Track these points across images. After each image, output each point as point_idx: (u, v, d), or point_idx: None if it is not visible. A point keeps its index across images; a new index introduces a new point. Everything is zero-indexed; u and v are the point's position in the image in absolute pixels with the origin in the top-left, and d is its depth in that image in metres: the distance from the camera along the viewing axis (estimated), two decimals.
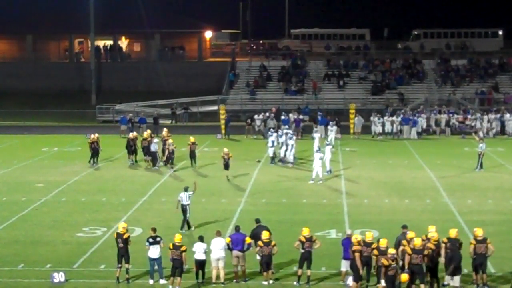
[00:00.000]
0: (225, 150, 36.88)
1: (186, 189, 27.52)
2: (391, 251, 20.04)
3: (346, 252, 21.47)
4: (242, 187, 34.92)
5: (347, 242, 21.61)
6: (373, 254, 20.63)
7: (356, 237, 21.06)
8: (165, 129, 42.15)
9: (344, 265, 21.59)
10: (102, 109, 63.17)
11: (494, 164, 40.67)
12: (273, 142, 40.73)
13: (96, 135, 41.11)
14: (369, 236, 21.26)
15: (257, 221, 23.27)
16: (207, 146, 48.09)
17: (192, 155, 40.03)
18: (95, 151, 40.61)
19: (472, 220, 27.64)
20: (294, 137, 41.72)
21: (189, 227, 27.33)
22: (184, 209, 27.24)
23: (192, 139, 40.08)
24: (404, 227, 22.16)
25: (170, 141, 39.61)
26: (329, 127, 47.87)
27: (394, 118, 51.59)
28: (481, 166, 38.60)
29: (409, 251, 20.42)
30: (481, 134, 51.04)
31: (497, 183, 35.76)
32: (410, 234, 21.16)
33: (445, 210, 30.38)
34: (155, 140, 39.78)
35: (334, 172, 37.86)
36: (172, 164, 38.96)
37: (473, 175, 37.62)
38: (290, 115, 52.91)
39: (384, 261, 19.79)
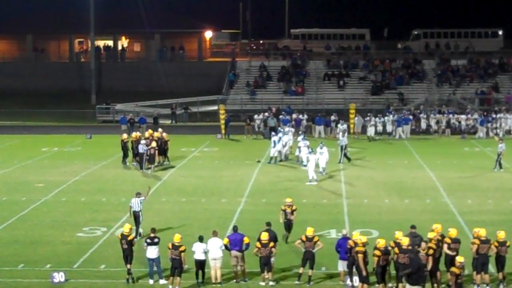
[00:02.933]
0: (288, 201, 26.26)
1: (137, 195, 26.42)
2: (460, 259, 19.72)
3: (343, 252, 21.46)
4: (242, 187, 34.92)
5: (343, 242, 21.60)
6: (375, 255, 20.60)
7: (361, 238, 20.95)
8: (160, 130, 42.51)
9: (341, 265, 21.57)
10: (102, 109, 63.27)
11: (494, 164, 40.61)
12: (275, 142, 40.73)
13: (125, 135, 41.13)
14: (364, 238, 21.21)
15: (268, 224, 22.87)
16: (207, 146, 48.09)
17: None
18: (126, 151, 40.45)
19: (472, 220, 27.65)
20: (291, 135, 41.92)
21: (137, 234, 25.59)
22: (135, 216, 26.05)
23: (165, 136, 40.89)
24: (413, 227, 22.13)
25: (154, 144, 39.73)
26: (339, 125, 48.27)
27: (387, 118, 51.63)
28: (500, 166, 38.55)
29: (397, 250, 20.49)
30: (481, 134, 51.13)
31: (497, 183, 35.75)
32: (397, 234, 21.11)
33: (445, 210, 30.37)
34: (142, 141, 39.37)
35: (334, 172, 37.85)
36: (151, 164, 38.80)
37: (473, 175, 37.59)
38: (294, 115, 53.10)
39: (454, 269, 19.50)
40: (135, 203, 26.18)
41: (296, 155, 40.29)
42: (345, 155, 41.07)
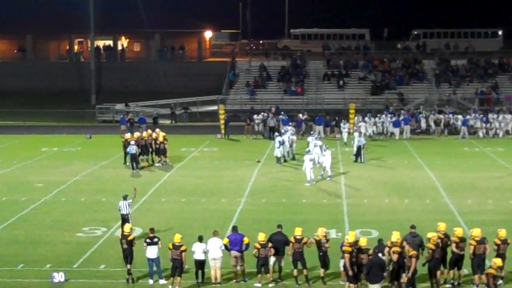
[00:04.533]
0: (321, 230, 22.14)
1: (124, 198, 26.21)
2: (499, 262, 19.59)
3: None
4: (242, 187, 34.92)
5: None
6: (369, 254, 20.61)
7: (348, 238, 20.88)
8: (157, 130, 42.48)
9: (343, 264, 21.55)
10: (102, 109, 63.28)
11: (494, 164, 40.65)
12: (279, 142, 40.67)
13: (128, 134, 41.09)
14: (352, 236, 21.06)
15: (279, 226, 22.39)
16: (207, 146, 48.09)
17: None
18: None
19: (472, 220, 27.65)
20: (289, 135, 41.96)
21: None
22: (124, 219, 25.73)
23: (136, 135, 40.80)
24: (412, 227, 22.12)
25: (161, 138, 39.77)
26: (342, 124, 48.34)
27: (383, 119, 51.67)
28: None
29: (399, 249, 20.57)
30: (480, 133, 51.10)
31: (497, 183, 35.73)
32: (395, 234, 21.08)
33: (445, 210, 30.36)
34: (132, 142, 39.28)
35: (334, 172, 37.77)
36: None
37: (473, 175, 37.57)
38: (299, 115, 53.20)
39: (491, 271, 19.38)
40: (123, 206, 26.07)
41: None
42: (358, 154, 41.04)
